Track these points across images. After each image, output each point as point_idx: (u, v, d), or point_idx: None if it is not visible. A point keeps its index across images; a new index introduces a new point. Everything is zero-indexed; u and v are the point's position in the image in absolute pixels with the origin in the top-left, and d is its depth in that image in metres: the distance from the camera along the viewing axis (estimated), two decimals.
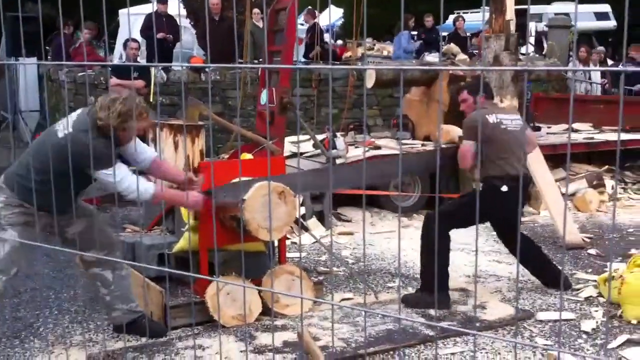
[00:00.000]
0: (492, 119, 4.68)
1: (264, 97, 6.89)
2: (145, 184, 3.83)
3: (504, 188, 4.63)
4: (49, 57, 12.33)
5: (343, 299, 4.98)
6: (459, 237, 5.97)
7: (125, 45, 9.32)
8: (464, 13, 18.91)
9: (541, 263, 5.06)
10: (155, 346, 4.06)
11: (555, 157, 8.01)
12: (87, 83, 9.97)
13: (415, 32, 14.24)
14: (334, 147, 7.10)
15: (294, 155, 7.58)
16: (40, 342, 4.20)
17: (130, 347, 4.06)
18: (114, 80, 8.76)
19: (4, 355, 4.03)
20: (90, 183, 3.85)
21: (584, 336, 4.31)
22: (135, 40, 9.40)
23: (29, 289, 5.12)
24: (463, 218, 4.56)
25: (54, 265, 5.65)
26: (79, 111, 3.86)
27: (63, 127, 3.74)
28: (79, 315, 4.66)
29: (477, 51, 12.80)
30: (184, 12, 12.77)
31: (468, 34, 14.15)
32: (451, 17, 15.31)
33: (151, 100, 9.31)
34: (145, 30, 10.51)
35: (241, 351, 3.99)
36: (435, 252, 4.51)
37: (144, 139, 4.35)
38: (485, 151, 4.58)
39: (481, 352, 4.05)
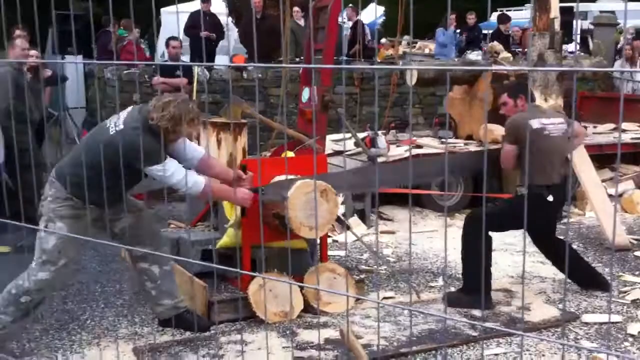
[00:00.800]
0: (535, 124, 4.59)
1: (305, 95, 6.91)
2: (195, 177, 3.88)
3: (550, 198, 4.57)
4: (94, 55, 12.56)
5: (385, 298, 4.97)
6: (503, 237, 5.92)
7: (167, 43, 9.43)
8: (507, 11, 18.72)
9: (579, 267, 4.98)
10: (199, 340, 4.11)
11: (602, 157, 7.88)
12: (137, 82, 10.12)
13: (458, 30, 14.13)
14: (375, 146, 7.08)
15: (335, 153, 7.58)
16: (87, 335, 4.29)
17: (175, 341, 4.12)
18: (157, 79, 8.87)
19: (52, 347, 4.13)
20: (140, 179, 3.92)
21: (630, 339, 4.23)
22: (176, 39, 9.50)
23: (76, 282, 5.22)
24: (504, 223, 4.53)
25: (100, 259, 5.75)
26: (129, 109, 3.93)
27: (114, 123, 3.81)
28: (125, 308, 4.74)
29: (520, 49, 12.66)
30: (226, 10, 12.87)
31: (510, 31, 13.99)
32: (494, 15, 15.13)
33: (194, 98, 9.41)
34: (190, 29, 10.62)
35: (283, 347, 4.01)
36: (476, 252, 4.47)
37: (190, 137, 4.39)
38: (528, 156, 4.53)
39: (525, 354, 4.01)
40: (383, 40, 14.03)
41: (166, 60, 9.46)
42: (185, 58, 9.98)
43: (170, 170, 3.74)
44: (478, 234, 4.43)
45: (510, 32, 13.70)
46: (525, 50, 10.62)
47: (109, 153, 3.48)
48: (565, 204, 4.95)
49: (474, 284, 4.56)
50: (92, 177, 3.48)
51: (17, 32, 7.55)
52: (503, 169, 5.00)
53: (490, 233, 4.65)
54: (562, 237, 5.19)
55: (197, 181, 3.86)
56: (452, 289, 5.04)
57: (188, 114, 3.73)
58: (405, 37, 14.70)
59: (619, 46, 12.75)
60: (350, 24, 13.20)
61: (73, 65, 9.54)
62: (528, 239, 4.95)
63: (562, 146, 4.67)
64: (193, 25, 10.43)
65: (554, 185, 4.60)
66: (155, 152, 3.54)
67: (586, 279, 5.02)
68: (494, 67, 7.79)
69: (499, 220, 4.48)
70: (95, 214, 3.79)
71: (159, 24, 14.59)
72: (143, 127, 3.72)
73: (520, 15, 19.32)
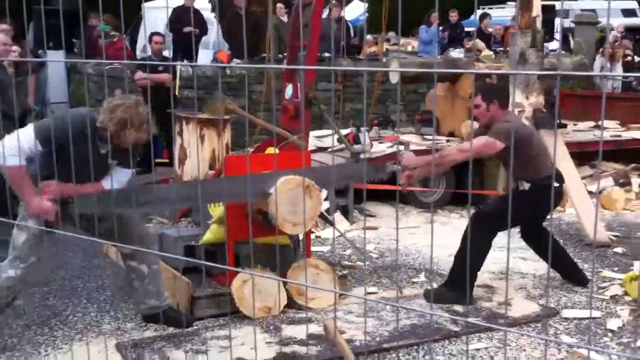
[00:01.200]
0: (526, 123, 4.70)
1: (288, 91, 6.92)
2: (16, 157, 3.58)
3: (556, 184, 4.67)
4: (75, 50, 12.49)
5: (367, 294, 4.99)
6: None
7: (150, 39, 9.38)
8: (489, 9, 18.82)
9: (561, 257, 5.06)
10: (182, 336, 4.11)
11: (582, 155, 7.96)
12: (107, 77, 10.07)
13: (440, 27, 14.19)
14: (359, 142, 7.11)
15: (319, 149, 7.60)
16: (69, 330, 4.27)
17: (159, 337, 4.12)
18: (139, 74, 8.82)
19: (33, 342, 4.11)
20: (105, 170, 3.77)
21: (610, 334, 4.29)
22: (159, 34, 9.46)
23: (58, 278, 5.20)
24: (512, 219, 4.57)
25: (82, 255, 5.73)
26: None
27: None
28: (108, 304, 4.73)
29: (501, 48, 12.75)
30: (209, 5, 12.83)
31: (490, 30, 14.08)
32: (479, 12, 15.22)
33: (177, 94, 9.37)
34: (173, 24, 10.57)
35: (267, 342, 4.03)
36: (477, 250, 4.51)
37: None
38: (527, 153, 4.59)
39: (506, 349, 4.05)
40: (368, 37, 14.04)
41: (150, 56, 9.40)
42: (167, 53, 9.93)
43: (26, 137, 3.58)
44: (482, 234, 4.48)
45: (491, 30, 13.79)
46: (507, 49, 10.68)
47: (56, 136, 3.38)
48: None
49: (459, 280, 4.58)
50: (60, 169, 3.47)
51: (2, 26, 7.49)
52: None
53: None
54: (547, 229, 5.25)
55: (15, 160, 3.59)
56: (435, 285, 5.08)
57: (137, 119, 3.66)
58: (390, 33, 14.75)
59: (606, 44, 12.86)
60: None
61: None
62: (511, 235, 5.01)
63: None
64: (176, 20, 10.38)
65: (551, 176, 4.71)
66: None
67: (568, 272, 5.09)
68: (478, 70, 7.82)
69: (505, 217, 4.52)
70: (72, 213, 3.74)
71: (140, 19, 14.51)
72: (82, 123, 3.63)
73: (503, 14, 19.46)
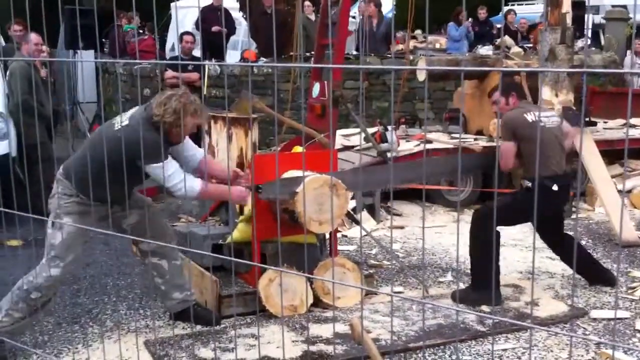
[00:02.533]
0: (530, 117, 4.61)
1: (315, 90, 6.93)
2: (192, 182, 3.92)
3: (555, 187, 4.59)
4: (105, 50, 12.62)
5: (394, 293, 4.99)
6: (512, 233, 5.94)
7: (181, 38, 9.46)
8: (518, 5, 18.65)
9: (586, 262, 5.00)
10: (209, 334, 4.15)
11: (611, 153, 7.86)
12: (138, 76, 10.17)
13: (465, 22, 14.09)
14: (385, 141, 7.10)
15: (345, 148, 7.61)
16: (99, 328, 4.34)
17: (187, 334, 4.16)
18: (169, 73, 8.90)
19: (64, 339, 4.18)
20: (144, 176, 3.94)
21: (638, 335, 4.24)
22: (190, 34, 9.54)
23: (88, 276, 5.28)
24: (511, 217, 4.58)
25: (111, 253, 5.81)
26: (138, 106, 3.97)
27: (120, 120, 3.85)
28: (136, 302, 4.79)
29: (529, 45, 12.62)
30: (237, 5, 12.90)
31: (516, 26, 13.95)
32: (505, 9, 15.11)
33: (205, 93, 9.44)
34: (201, 24, 10.64)
35: (293, 341, 4.05)
36: (484, 248, 4.50)
37: (197, 134, 4.44)
38: (529, 150, 4.54)
39: (533, 349, 4.03)
40: (399, 34, 13.97)
41: (177, 55, 9.48)
42: (196, 52, 10.00)
43: (170, 171, 3.77)
44: (485, 230, 4.46)
45: (517, 26, 13.67)
46: (536, 45, 10.58)
47: (113, 149, 3.55)
48: (571, 198, 4.96)
49: (482, 280, 4.58)
50: (97, 174, 3.53)
51: (15, 27, 7.62)
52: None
53: (498, 228, 4.66)
54: (570, 233, 5.20)
55: (192, 186, 3.90)
56: (462, 284, 5.06)
57: (190, 106, 3.78)
58: (418, 31, 14.68)
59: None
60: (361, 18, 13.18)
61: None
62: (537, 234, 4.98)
63: (559, 137, 4.72)
64: (204, 19, 10.45)
65: (557, 176, 4.63)
66: (156, 150, 3.53)
67: (594, 274, 5.03)
68: (508, 69, 7.75)
69: (506, 215, 4.52)
70: (101, 211, 3.82)
71: (169, 19, 14.63)
72: (145, 124, 3.76)
73: (532, 10, 19.26)
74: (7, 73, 6.95)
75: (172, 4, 13.77)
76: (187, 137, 4.04)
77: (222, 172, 4.22)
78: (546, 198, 4.54)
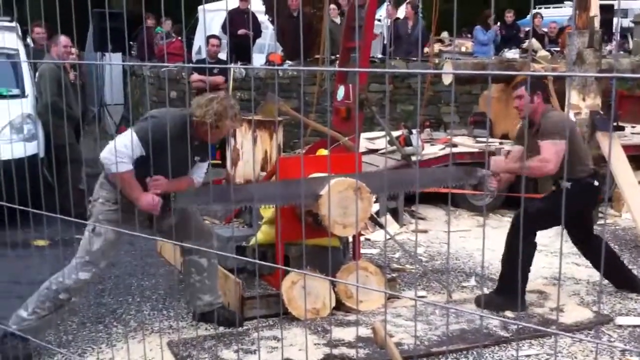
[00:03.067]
0: (572, 118, 4.61)
1: (340, 93, 6.93)
2: (125, 164, 3.78)
3: (596, 183, 4.62)
4: (133, 53, 12.76)
5: (417, 297, 4.97)
6: (537, 238, 5.86)
7: (208, 41, 9.53)
8: (545, 8, 18.50)
9: (615, 266, 4.96)
10: (232, 335, 4.17)
11: (639, 158, 7.76)
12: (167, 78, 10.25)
13: (494, 26, 14.02)
14: (410, 144, 7.08)
15: (369, 151, 7.60)
16: (123, 328, 4.38)
17: (209, 336, 4.19)
18: (194, 77, 8.97)
19: (88, 339, 4.22)
20: (185, 173, 4.03)
21: None
22: (216, 37, 9.60)
23: (112, 276, 5.33)
24: (551, 220, 4.56)
25: (136, 254, 5.86)
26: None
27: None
28: (160, 303, 4.83)
29: (557, 49, 12.51)
30: (262, 8, 12.95)
31: (544, 29, 13.84)
32: (532, 12, 15.00)
33: (230, 95, 9.50)
34: (228, 27, 10.72)
35: (315, 344, 4.05)
36: (518, 255, 4.45)
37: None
38: (572, 149, 4.51)
39: (557, 355, 3.99)
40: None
41: (204, 59, 9.55)
42: (222, 55, 10.08)
43: (125, 142, 3.75)
44: (525, 235, 4.43)
45: (546, 29, 13.56)
46: (563, 49, 10.49)
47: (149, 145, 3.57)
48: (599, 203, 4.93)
49: (510, 285, 4.53)
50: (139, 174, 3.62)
51: (37, 29, 7.73)
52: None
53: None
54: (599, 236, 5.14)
55: (123, 164, 3.76)
56: (485, 290, 5.03)
57: (231, 110, 3.88)
58: (444, 34, 14.62)
59: None
60: (389, 21, 13.16)
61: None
62: (564, 239, 4.94)
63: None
64: (230, 22, 10.52)
65: (595, 173, 4.69)
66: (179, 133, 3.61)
67: (621, 279, 4.98)
68: (535, 73, 7.68)
69: (546, 219, 4.49)
70: (143, 214, 3.89)
71: (196, 22, 14.74)
72: (174, 117, 3.83)
73: (560, 13, 19.09)
74: (37, 75, 7.05)
75: (199, 7, 13.88)
76: (207, 162, 4.17)
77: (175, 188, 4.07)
78: (590, 195, 4.58)
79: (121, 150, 3.72)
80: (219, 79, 8.95)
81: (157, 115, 3.91)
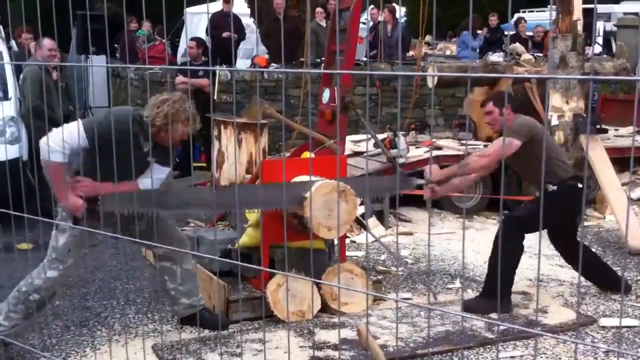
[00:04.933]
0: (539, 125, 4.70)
1: (325, 96, 6.93)
2: (60, 154, 3.63)
3: (580, 185, 4.66)
4: (117, 55, 12.70)
5: (402, 299, 4.98)
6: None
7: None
8: (529, 12, 18.61)
9: (598, 267, 5.00)
10: (217, 338, 4.16)
11: (622, 161, 7.82)
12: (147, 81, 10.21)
13: (480, 31, 14.09)
14: (395, 147, 7.10)
15: (355, 154, 7.61)
16: (107, 331, 4.35)
17: (194, 339, 4.17)
18: (179, 79, 8.94)
19: (72, 343, 4.20)
20: (144, 167, 3.82)
21: None
22: (194, 40, 9.57)
23: (97, 280, 5.30)
24: (538, 223, 4.57)
25: (120, 257, 5.83)
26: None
27: None
28: (145, 306, 4.80)
29: (539, 54, 12.59)
30: (247, 10, 12.94)
31: (529, 33, 13.93)
32: (516, 16, 15.09)
33: (215, 98, 9.47)
34: (211, 30, 10.70)
35: (300, 346, 4.05)
36: (508, 256, 4.47)
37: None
38: (549, 154, 4.56)
39: (541, 357, 4.01)
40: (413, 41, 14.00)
41: (190, 61, 9.52)
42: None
43: (64, 135, 3.59)
44: (511, 240, 4.45)
45: (530, 33, 13.65)
46: (547, 52, 10.57)
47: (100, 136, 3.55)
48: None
49: (495, 288, 4.55)
50: (97, 168, 3.56)
51: (24, 35, 7.69)
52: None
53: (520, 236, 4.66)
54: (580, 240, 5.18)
55: (57, 155, 3.63)
56: (470, 291, 5.05)
57: (183, 113, 3.74)
58: (428, 37, 14.66)
59: None
60: (371, 24, 13.20)
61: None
62: (547, 241, 4.97)
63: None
64: (214, 26, 10.50)
65: (577, 176, 4.73)
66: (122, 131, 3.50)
67: (605, 280, 5.02)
68: (517, 76, 7.75)
69: (534, 222, 4.50)
70: (110, 216, 3.80)
71: (181, 24, 14.70)
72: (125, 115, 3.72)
73: (546, 16, 19.20)
74: (20, 77, 7.01)
75: (185, 10, 13.85)
76: (165, 168, 3.94)
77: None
78: (575, 197, 4.61)
79: (58, 138, 3.55)
80: (204, 81, 8.92)
81: (113, 112, 3.82)
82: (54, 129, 3.65)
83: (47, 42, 6.80)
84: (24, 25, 8.50)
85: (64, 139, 3.57)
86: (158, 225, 4.02)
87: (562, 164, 4.73)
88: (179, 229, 4.45)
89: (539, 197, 5.04)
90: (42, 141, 3.65)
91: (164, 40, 11.71)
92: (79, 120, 3.75)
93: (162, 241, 3.94)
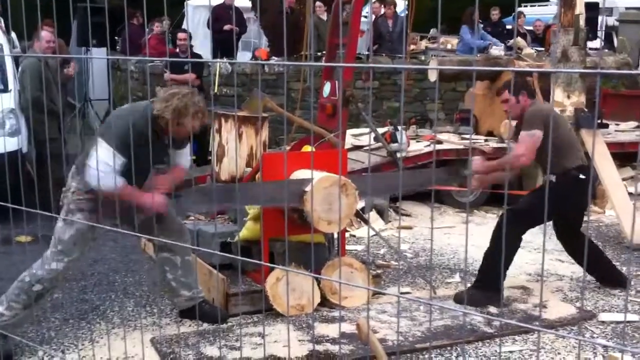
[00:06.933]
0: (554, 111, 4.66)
1: (326, 89, 6.92)
2: (116, 179, 3.69)
3: (582, 176, 4.61)
4: (117, 47, 12.67)
5: (401, 293, 4.98)
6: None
7: (190, 37, 9.46)
8: (531, 6, 18.56)
9: (599, 262, 4.99)
10: (216, 332, 4.15)
11: (623, 156, 7.81)
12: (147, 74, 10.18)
13: (481, 25, 14.03)
14: (395, 141, 7.09)
15: (355, 148, 7.60)
16: (106, 324, 4.35)
17: (193, 332, 4.16)
18: (167, 75, 8.90)
19: (71, 336, 4.19)
20: (167, 157, 3.97)
21: None
22: (184, 31, 9.50)
23: (95, 273, 5.29)
24: (540, 216, 4.54)
25: (119, 250, 5.82)
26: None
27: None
28: (143, 299, 4.80)
29: (540, 48, 12.55)
30: (249, 3, 12.90)
31: (527, 28, 13.88)
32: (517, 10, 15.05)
33: (215, 91, 9.44)
34: (212, 22, 10.67)
35: (299, 340, 4.04)
36: (506, 249, 4.46)
37: (204, 134, 4.42)
38: (558, 142, 4.55)
39: (540, 351, 4.00)
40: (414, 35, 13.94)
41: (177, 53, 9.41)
42: (200, 50, 10.00)
43: (105, 159, 3.63)
44: (509, 233, 4.43)
45: (529, 27, 13.61)
46: (549, 47, 10.54)
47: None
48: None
49: (492, 280, 4.53)
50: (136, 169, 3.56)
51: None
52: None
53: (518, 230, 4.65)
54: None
55: (113, 182, 3.67)
56: (469, 286, 5.04)
57: (192, 107, 3.74)
58: (432, 30, 14.62)
59: None
60: (374, 17, 13.13)
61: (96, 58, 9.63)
62: (547, 235, 4.96)
63: (572, 130, 4.86)
64: (215, 18, 10.46)
65: (583, 166, 4.67)
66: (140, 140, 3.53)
67: (606, 275, 5.01)
68: (520, 69, 7.71)
69: (535, 214, 4.48)
70: (112, 206, 3.80)
71: (182, 17, 14.65)
72: (142, 113, 3.80)
73: (545, 11, 19.16)
74: (19, 70, 6.99)
75: (186, 2, 13.82)
76: (188, 145, 4.05)
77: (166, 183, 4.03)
78: (578, 188, 4.57)
79: (103, 168, 3.61)
80: (187, 76, 8.66)
81: (121, 116, 3.85)
82: (90, 160, 3.68)
83: (45, 34, 6.79)
84: (24, 18, 8.46)
85: (106, 162, 3.61)
86: (161, 216, 4.03)
87: (570, 153, 4.65)
88: (179, 219, 4.44)
89: (538, 189, 5.04)
90: (91, 172, 3.67)
91: (159, 26, 11.56)
92: (99, 137, 3.75)
93: (164, 232, 3.94)
